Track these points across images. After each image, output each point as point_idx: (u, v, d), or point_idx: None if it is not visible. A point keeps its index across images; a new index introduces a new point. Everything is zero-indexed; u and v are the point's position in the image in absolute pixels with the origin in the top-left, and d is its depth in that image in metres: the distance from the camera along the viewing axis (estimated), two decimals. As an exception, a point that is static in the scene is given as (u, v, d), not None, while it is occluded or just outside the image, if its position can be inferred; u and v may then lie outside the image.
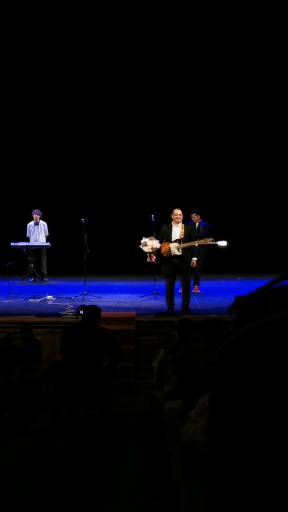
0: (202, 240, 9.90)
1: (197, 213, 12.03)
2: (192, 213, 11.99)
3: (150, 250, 10.12)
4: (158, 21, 14.74)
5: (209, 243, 10.09)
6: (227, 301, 9.98)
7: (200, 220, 11.99)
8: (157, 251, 9.93)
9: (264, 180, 15.04)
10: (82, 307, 6.70)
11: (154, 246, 10.00)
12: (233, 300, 1.63)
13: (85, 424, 6.17)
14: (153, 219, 11.16)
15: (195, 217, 11.99)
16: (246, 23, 14.64)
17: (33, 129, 15.33)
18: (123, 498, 4.27)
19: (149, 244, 10.04)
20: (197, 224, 11.87)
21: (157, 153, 15.20)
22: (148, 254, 10.11)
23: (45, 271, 13.37)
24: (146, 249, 10.14)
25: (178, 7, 14.71)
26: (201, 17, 14.72)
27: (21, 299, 11.11)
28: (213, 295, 11.51)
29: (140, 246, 10.20)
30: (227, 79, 14.99)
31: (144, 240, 10.18)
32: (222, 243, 10.27)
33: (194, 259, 9.82)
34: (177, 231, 9.73)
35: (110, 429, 5.98)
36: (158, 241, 9.88)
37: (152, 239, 10.07)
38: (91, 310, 6.41)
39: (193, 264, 9.84)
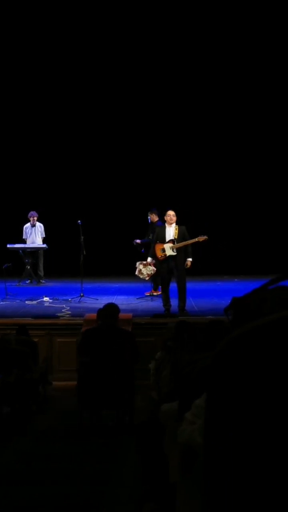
0: (196, 239, 9.92)
1: (154, 212, 11.52)
2: (151, 212, 11.54)
3: (147, 278, 10.28)
4: (158, 20, 14.74)
5: (202, 241, 10.09)
6: (224, 302, 9.97)
7: (156, 219, 11.42)
8: (154, 255, 9.98)
9: (261, 182, 15.05)
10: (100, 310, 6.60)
11: (149, 273, 10.13)
12: (229, 301, 1.64)
13: (104, 425, 6.20)
14: (149, 221, 11.19)
15: (153, 217, 11.50)
16: (246, 23, 14.66)
17: (30, 130, 15.32)
18: (122, 499, 4.28)
19: (144, 272, 10.18)
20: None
21: (153, 154, 15.19)
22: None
23: (42, 272, 13.36)
24: (142, 276, 10.29)
25: (178, 7, 14.72)
26: (201, 17, 14.73)
27: (17, 301, 11.11)
28: (209, 297, 11.51)
29: (136, 273, 10.35)
30: (221, 82, 15.00)
31: (139, 267, 10.28)
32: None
33: (189, 259, 9.82)
34: (171, 231, 9.76)
35: (129, 429, 5.97)
36: (153, 264, 9.96)
37: (147, 265, 10.17)
38: (112, 309, 6.36)
39: (187, 265, 9.83)
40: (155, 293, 11.18)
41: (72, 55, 15.00)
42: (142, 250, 11.45)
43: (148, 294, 11.28)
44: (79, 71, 15.13)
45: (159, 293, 11.13)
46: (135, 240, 11.66)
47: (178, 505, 2.57)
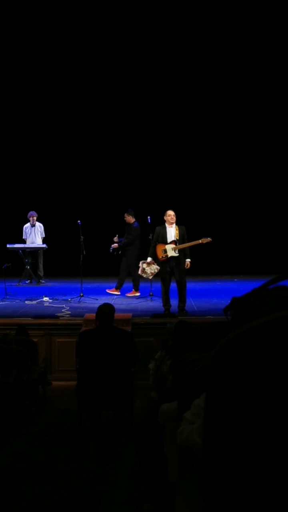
0: (200, 241, 9.91)
1: (130, 213, 11.51)
2: (127, 214, 11.51)
3: (150, 277, 10.28)
4: (158, 20, 14.72)
5: (206, 243, 10.08)
6: (224, 302, 9.98)
7: (133, 221, 11.47)
8: (154, 255, 9.97)
9: (260, 182, 15.05)
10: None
11: (153, 272, 10.12)
12: (229, 301, 1.63)
13: (103, 426, 6.19)
14: (149, 221, 11.17)
15: (129, 218, 11.47)
16: (246, 23, 14.65)
17: (29, 131, 15.31)
18: (119, 501, 4.27)
19: (148, 271, 10.16)
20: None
21: (152, 154, 15.19)
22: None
23: (41, 272, 13.37)
24: (145, 276, 10.28)
25: (177, 7, 14.71)
26: (201, 17, 14.72)
27: (17, 301, 11.11)
28: (209, 297, 11.51)
29: (139, 272, 10.34)
30: (222, 83, 15.00)
31: (142, 266, 10.26)
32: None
33: (188, 260, 9.81)
34: (172, 232, 9.74)
35: (128, 430, 5.96)
36: (156, 264, 9.99)
37: (150, 264, 10.14)
38: (106, 310, 6.32)
39: (187, 266, 9.83)
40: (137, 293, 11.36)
41: (72, 57, 14.99)
42: (119, 252, 11.51)
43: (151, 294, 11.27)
44: (78, 73, 15.12)
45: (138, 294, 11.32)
46: (111, 247, 11.57)
47: (177, 505, 2.56)
